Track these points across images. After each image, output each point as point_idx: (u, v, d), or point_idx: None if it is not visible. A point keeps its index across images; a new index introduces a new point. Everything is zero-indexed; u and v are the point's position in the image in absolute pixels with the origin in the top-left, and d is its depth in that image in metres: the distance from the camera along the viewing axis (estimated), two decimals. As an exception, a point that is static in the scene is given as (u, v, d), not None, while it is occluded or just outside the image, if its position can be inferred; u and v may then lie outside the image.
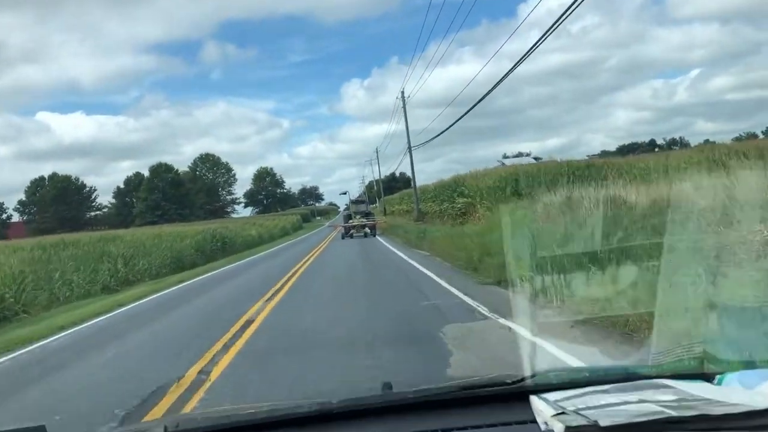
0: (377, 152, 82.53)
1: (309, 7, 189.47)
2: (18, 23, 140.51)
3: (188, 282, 20.94)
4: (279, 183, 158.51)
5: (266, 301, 12.68)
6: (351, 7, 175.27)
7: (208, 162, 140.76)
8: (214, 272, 24.24)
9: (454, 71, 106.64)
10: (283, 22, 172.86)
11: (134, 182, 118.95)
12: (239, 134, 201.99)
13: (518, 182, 26.92)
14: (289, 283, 15.83)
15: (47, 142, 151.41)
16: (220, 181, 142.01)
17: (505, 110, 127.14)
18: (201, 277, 22.47)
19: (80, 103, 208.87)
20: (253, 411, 1.73)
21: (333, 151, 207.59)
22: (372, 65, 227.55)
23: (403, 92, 42.17)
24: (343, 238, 37.50)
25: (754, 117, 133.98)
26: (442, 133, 35.18)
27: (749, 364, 1.92)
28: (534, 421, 1.45)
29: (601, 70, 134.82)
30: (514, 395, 1.65)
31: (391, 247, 26.39)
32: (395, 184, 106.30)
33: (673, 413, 1.30)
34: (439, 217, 34.65)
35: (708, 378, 1.67)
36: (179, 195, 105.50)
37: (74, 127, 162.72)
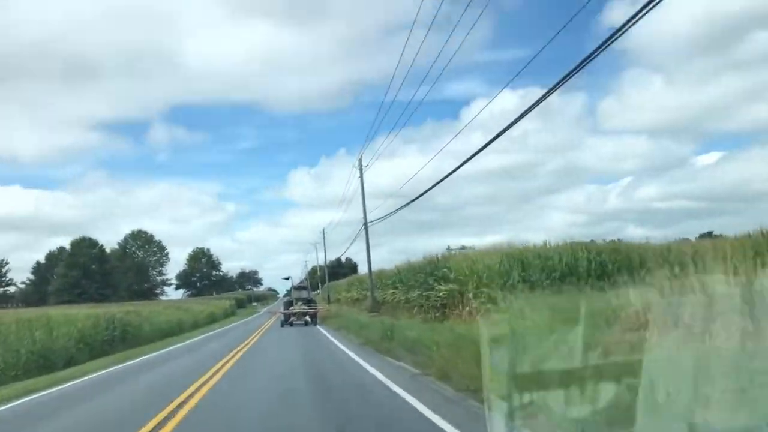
0: (323, 234, 75.86)
1: (261, 97, 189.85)
2: None
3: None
4: (215, 265, 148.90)
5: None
6: (302, 100, 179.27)
7: (140, 239, 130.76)
8: (73, 382, 16.37)
9: (400, 165, 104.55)
10: (235, 109, 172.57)
11: (56, 257, 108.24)
12: (182, 216, 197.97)
13: (526, 265, 21.03)
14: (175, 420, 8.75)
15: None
16: (151, 261, 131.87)
17: (447, 205, 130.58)
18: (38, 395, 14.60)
19: (18, 177, 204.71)
20: None
21: (276, 236, 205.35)
22: (320, 154, 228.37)
23: (360, 160, 36.34)
24: (282, 325, 35.77)
25: (680, 224, 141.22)
26: (397, 210, 30.33)
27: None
28: None
29: (538, 174, 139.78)
30: None
31: (346, 350, 19.00)
32: (341, 270, 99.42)
33: None
34: (403, 308, 28.02)
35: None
36: (103, 273, 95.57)
37: (9, 199, 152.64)
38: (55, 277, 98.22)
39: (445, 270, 23.81)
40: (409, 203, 29.24)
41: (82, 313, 28.39)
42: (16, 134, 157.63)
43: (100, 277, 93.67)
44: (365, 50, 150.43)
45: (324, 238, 75.64)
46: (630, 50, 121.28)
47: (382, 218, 34.29)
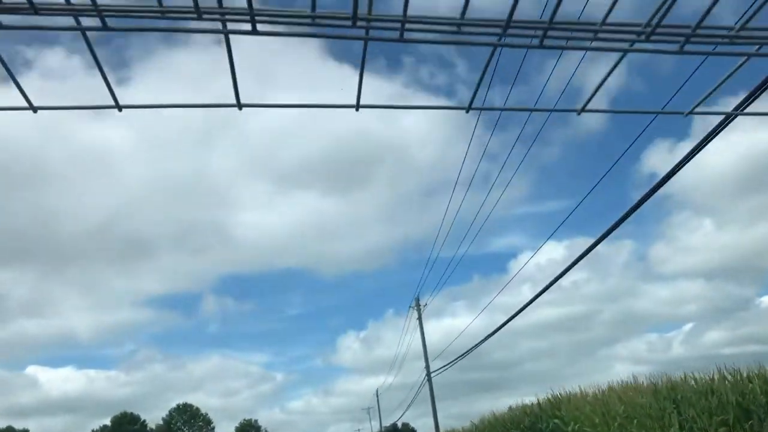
0: (377, 395, 69.02)
1: (307, 263, 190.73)
2: (21, 278, 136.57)
3: None
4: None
5: None
6: (347, 263, 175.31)
7: (186, 413, 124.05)
8: None
9: (449, 324, 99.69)
10: (281, 277, 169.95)
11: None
12: (230, 388, 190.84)
13: (682, 404, 14.49)
14: None
15: (33, 398, 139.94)
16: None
17: (501, 363, 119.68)
18: None
19: (73, 357, 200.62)
20: None
21: (327, 405, 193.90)
22: (367, 317, 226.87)
23: (417, 299, 31.65)
24: None
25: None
26: (461, 357, 25.18)
27: None
28: None
29: (594, 324, 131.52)
30: None
31: None
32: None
33: None
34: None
35: None
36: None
37: (63, 381, 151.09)
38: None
39: (556, 421, 15.62)
40: (472, 349, 24.32)
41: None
42: (73, 316, 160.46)
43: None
44: (406, 212, 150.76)
45: (378, 399, 68.70)
46: (674, 194, 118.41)
47: (444, 368, 28.90)
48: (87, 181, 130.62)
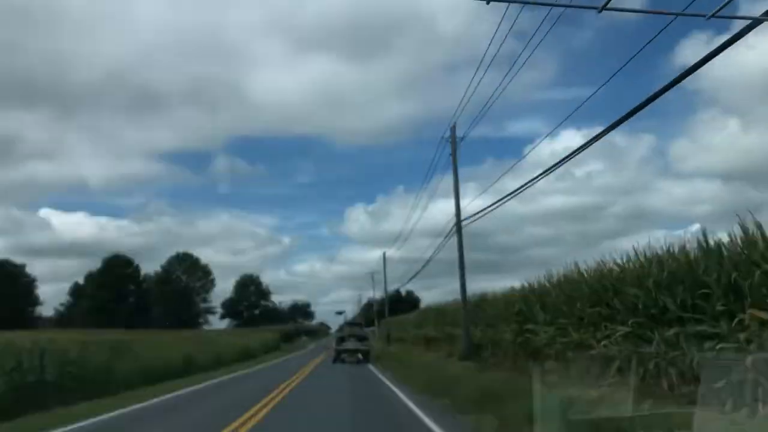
0: (384, 258, 63.97)
1: (322, 131, 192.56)
2: (34, 120, 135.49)
3: None
4: (264, 294, 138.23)
5: None
6: (362, 134, 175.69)
7: (185, 262, 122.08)
8: None
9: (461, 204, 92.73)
10: (295, 143, 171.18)
11: (93, 279, 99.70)
12: (237, 247, 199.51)
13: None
14: None
15: (46, 239, 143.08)
16: (196, 286, 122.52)
17: (507, 247, 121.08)
18: None
19: (85, 204, 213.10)
20: None
21: (331, 272, 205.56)
22: (377, 191, 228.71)
23: (454, 127, 24.45)
24: (333, 362, 35.15)
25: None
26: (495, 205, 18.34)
27: None
28: None
29: (603, 216, 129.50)
30: None
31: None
32: (401, 305, 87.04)
33: None
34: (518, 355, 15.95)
35: None
36: (139, 295, 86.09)
37: (76, 226, 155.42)
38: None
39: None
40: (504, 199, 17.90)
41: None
42: (85, 162, 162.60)
43: (135, 300, 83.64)
44: (427, 87, 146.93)
45: (384, 262, 63.74)
46: (703, 91, 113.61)
47: (476, 216, 22.23)
48: (102, 27, 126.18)
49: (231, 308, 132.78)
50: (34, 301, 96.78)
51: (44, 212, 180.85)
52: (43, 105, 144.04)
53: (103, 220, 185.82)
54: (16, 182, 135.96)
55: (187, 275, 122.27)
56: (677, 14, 7.26)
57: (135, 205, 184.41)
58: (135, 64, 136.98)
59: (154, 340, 34.41)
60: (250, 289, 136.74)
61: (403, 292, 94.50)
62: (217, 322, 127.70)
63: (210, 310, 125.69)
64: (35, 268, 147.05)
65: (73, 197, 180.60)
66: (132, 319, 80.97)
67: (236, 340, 53.11)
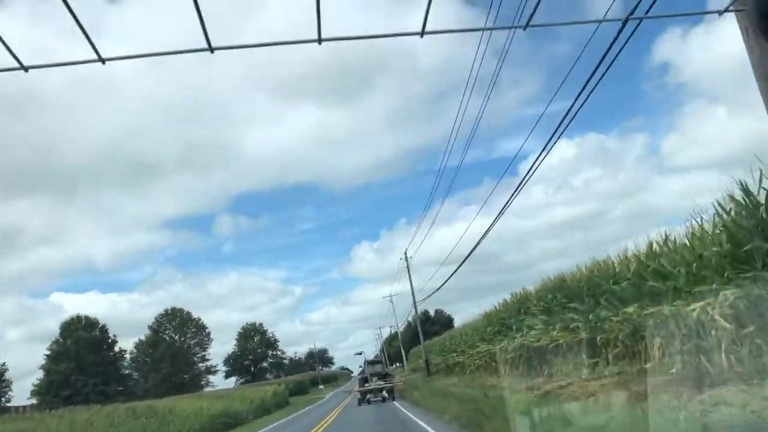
0: (407, 260, 47.75)
1: (317, 176, 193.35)
2: (34, 207, 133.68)
3: None
4: (271, 343, 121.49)
5: None
6: (358, 173, 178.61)
7: (175, 319, 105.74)
8: None
9: (462, 229, 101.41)
10: (293, 192, 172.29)
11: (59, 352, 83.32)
12: (250, 303, 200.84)
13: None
14: None
15: (60, 322, 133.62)
16: (190, 344, 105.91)
17: (515, 265, 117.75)
18: None
19: (94, 282, 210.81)
20: None
21: (346, 315, 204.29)
22: (380, 227, 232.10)
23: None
24: (359, 404, 34.04)
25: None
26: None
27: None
28: None
29: (607, 221, 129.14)
30: None
31: None
32: (431, 327, 70.79)
33: None
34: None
35: None
36: (107, 362, 69.63)
37: (87, 305, 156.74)
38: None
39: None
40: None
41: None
42: (90, 242, 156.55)
43: (102, 368, 66.89)
44: (414, 117, 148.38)
45: (408, 265, 47.56)
46: (687, 83, 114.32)
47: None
48: (89, 105, 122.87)
49: (234, 364, 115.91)
50: None
51: (55, 296, 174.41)
52: (41, 191, 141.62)
53: (113, 295, 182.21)
54: (24, 271, 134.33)
55: (179, 333, 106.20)
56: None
57: (144, 276, 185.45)
58: (127, 138, 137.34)
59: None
60: (254, 340, 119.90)
61: (431, 312, 78.71)
62: (221, 382, 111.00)
63: (211, 370, 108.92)
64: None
65: (82, 277, 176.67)
66: (99, 391, 64.50)
67: (220, 403, 36.75)
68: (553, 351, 16.73)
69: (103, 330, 72.70)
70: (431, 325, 75.58)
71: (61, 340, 67.09)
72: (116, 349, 75.34)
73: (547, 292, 20.49)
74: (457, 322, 64.80)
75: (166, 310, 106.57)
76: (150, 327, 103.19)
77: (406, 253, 48.54)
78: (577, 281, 18.10)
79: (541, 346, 17.49)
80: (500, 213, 19.63)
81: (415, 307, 47.58)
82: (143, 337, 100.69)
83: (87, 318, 70.77)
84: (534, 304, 20.99)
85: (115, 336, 75.29)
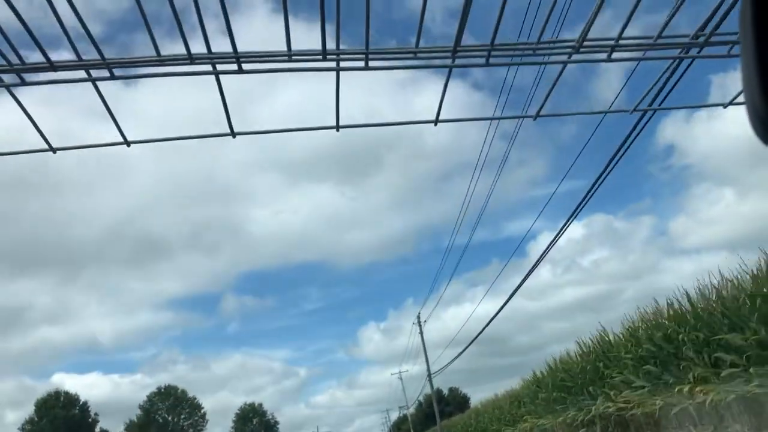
0: (419, 320, 42.10)
1: (324, 255, 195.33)
2: (38, 287, 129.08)
3: None
4: (271, 426, 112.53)
5: None
6: (364, 253, 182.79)
7: (169, 398, 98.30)
8: None
9: (470, 310, 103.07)
10: (299, 270, 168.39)
11: None
12: (254, 385, 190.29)
13: None
14: None
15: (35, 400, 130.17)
16: (184, 425, 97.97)
17: (526, 347, 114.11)
18: None
19: (97, 363, 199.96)
20: None
21: (352, 398, 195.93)
22: (387, 307, 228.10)
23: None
24: None
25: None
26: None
27: None
28: None
29: (618, 303, 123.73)
30: None
31: None
32: (445, 407, 63.58)
33: None
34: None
35: None
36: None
37: (89, 388, 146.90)
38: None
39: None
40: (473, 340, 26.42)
41: None
42: (95, 321, 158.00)
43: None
44: (421, 196, 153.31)
45: (421, 329, 41.91)
46: (693, 165, 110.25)
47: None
48: (98, 185, 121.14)
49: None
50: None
51: (57, 377, 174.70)
52: (45, 271, 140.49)
53: (116, 377, 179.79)
54: (25, 351, 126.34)
55: (172, 414, 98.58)
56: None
57: (147, 357, 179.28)
58: (133, 218, 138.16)
59: None
60: (252, 423, 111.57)
61: (444, 390, 71.85)
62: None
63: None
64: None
65: (85, 357, 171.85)
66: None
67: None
68: None
69: (84, 408, 65.80)
70: (445, 405, 68.77)
71: (36, 418, 60.37)
72: (97, 429, 68.08)
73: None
74: (474, 402, 58.36)
75: (159, 388, 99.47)
76: (141, 406, 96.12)
77: (419, 317, 43.29)
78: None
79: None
80: (511, 296, 20.19)
81: (430, 378, 41.60)
82: (134, 418, 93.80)
83: (67, 394, 64.29)
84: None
85: (96, 415, 68.25)
